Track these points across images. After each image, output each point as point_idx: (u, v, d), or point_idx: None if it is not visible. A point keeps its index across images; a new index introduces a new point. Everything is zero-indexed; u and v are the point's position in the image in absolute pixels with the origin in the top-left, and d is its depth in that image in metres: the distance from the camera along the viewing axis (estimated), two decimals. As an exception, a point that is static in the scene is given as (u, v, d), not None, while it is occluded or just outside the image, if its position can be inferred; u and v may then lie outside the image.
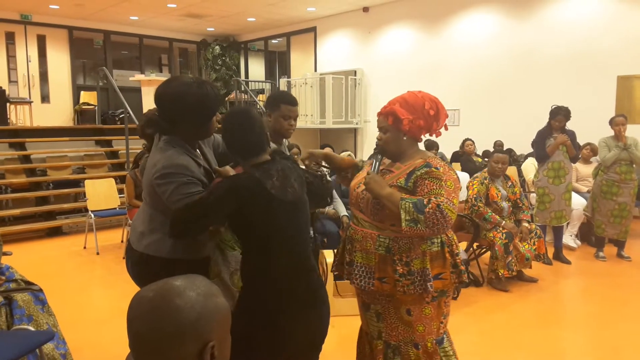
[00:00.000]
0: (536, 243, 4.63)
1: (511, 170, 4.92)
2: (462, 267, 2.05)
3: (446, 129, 2.17)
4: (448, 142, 8.72)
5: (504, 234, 4.44)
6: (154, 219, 2.00)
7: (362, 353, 2.31)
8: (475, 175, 4.84)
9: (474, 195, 4.57)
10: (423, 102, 2.05)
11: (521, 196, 4.77)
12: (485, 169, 4.80)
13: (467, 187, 4.70)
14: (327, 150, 2.51)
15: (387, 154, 2.15)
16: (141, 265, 2.04)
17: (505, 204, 4.66)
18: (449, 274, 2.03)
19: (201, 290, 0.98)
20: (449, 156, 8.52)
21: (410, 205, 1.91)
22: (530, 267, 4.66)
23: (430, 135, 2.16)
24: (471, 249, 4.88)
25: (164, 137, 2.01)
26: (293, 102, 2.73)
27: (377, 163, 2.13)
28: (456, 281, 2.05)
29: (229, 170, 2.10)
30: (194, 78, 2.00)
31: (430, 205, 1.89)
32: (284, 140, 2.85)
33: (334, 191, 5.01)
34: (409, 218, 1.90)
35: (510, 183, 4.78)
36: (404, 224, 1.90)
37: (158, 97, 1.97)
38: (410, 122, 2.04)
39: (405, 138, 2.10)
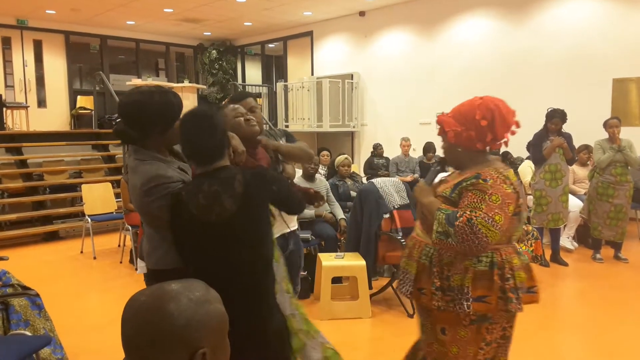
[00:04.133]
0: (533, 245, 4.64)
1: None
2: (512, 295, 1.83)
3: (513, 134, 2.00)
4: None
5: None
6: (153, 236, 2.01)
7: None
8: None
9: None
10: (474, 112, 1.91)
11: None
12: None
13: None
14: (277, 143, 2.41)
15: (448, 163, 2.10)
16: (154, 281, 2.05)
17: None
18: (495, 299, 1.83)
19: (195, 296, 0.97)
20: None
21: (444, 216, 1.81)
22: None
23: (492, 148, 1.98)
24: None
25: (131, 149, 2.00)
26: (239, 98, 2.58)
27: (435, 172, 2.11)
28: (503, 309, 1.84)
29: (232, 136, 2.08)
30: (155, 87, 1.99)
31: (461, 219, 1.77)
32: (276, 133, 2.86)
33: (331, 194, 5.03)
34: (440, 230, 1.81)
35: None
36: (434, 235, 1.82)
37: (123, 107, 1.96)
38: (458, 133, 1.93)
39: (460, 149, 1.98)
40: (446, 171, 2.14)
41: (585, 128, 6.60)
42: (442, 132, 2.01)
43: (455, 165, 2.06)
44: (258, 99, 12.14)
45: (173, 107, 1.96)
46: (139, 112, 1.92)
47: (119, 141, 8.14)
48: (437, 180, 2.11)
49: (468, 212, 1.78)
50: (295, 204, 2.05)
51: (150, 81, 9.88)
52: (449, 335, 1.92)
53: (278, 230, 2.63)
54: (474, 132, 1.91)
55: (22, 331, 2.66)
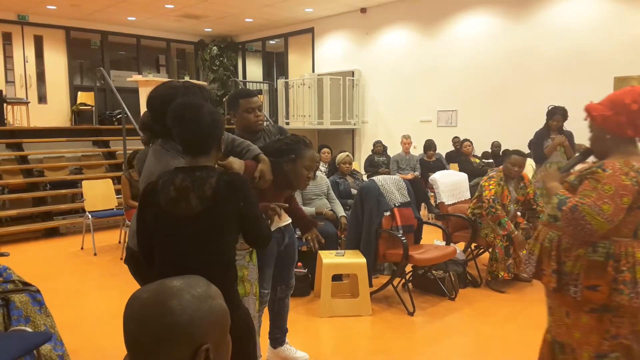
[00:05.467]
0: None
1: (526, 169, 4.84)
2: (623, 288, 1.84)
3: None
4: (449, 143, 8.75)
5: (505, 237, 4.38)
6: None
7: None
8: (491, 174, 4.61)
9: (491, 197, 4.39)
10: (624, 97, 1.91)
11: (535, 197, 4.62)
12: (500, 168, 4.64)
13: (483, 186, 4.53)
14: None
15: (594, 153, 2.11)
16: (140, 265, 2.04)
17: (512, 207, 4.56)
18: (607, 290, 1.87)
19: (197, 292, 0.97)
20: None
21: (557, 201, 1.93)
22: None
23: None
24: (469, 249, 4.89)
25: (157, 141, 2.02)
26: (250, 94, 2.73)
27: (576, 160, 2.20)
28: (616, 300, 1.86)
29: (234, 161, 2.09)
30: (183, 81, 2.01)
31: (568, 204, 1.86)
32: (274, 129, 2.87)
33: (332, 192, 5.02)
34: (552, 214, 1.95)
35: (522, 184, 4.63)
36: (545, 217, 1.97)
37: (148, 101, 2.00)
38: (606, 117, 1.94)
39: (608, 137, 1.98)
40: (586, 162, 2.18)
41: (586, 126, 6.59)
42: (590, 120, 2.03)
43: (600, 155, 2.05)
44: (260, 96, 12.15)
45: None
46: (161, 107, 1.92)
47: (119, 137, 8.15)
48: (576, 168, 2.15)
49: (576, 199, 1.86)
50: (262, 235, 1.89)
51: (151, 77, 9.87)
52: (572, 319, 1.99)
53: (274, 224, 2.63)
54: (624, 117, 1.91)
55: (23, 327, 2.66)
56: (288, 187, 2.33)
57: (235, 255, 1.87)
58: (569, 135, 5.25)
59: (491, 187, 4.45)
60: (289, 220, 2.88)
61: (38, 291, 2.96)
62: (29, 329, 2.66)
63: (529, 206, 4.64)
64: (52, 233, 7.05)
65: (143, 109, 8.20)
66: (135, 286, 2.05)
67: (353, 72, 10.69)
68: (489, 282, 4.55)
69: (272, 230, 2.64)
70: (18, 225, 6.96)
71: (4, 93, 9.15)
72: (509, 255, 4.37)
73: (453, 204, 5.09)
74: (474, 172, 7.39)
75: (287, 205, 2.42)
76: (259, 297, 2.55)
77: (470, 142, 7.95)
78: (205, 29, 12.44)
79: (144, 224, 1.83)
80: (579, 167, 2.15)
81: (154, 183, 1.80)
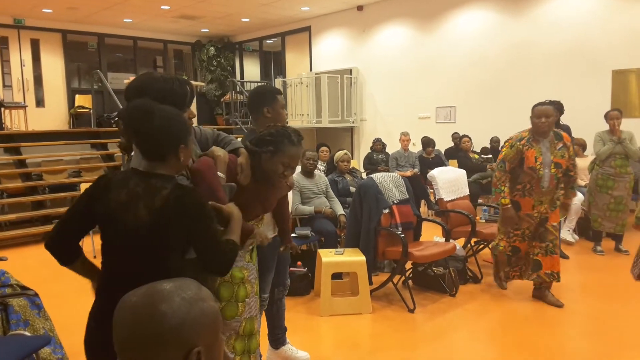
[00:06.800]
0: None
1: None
2: None
3: None
4: (448, 139, 8.74)
5: (511, 247, 4.05)
6: None
7: None
8: (512, 135, 4.05)
9: (499, 161, 3.94)
10: None
11: (573, 161, 3.93)
12: (527, 129, 3.95)
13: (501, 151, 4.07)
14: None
15: None
16: None
17: (547, 172, 3.79)
18: None
19: (187, 295, 0.96)
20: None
21: None
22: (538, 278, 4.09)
23: None
24: (469, 245, 4.88)
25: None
26: (280, 91, 2.79)
27: None
28: None
29: (216, 149, 2.02)
30: (166, 74, 1.93)
31: None
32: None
33: (331, 190, 5.01)
34: (638, 215, 2.03)
35: (561, 145, 3.86)
36: (635, 219, 2.05)
37: (125, 91, 1.92)
38: None
39: None
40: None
41: (585, 120, 6.59)
42: None
43: None
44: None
45: (175, 96, 1.86)
46: (136, 96, 1.84)
47: (118, 140, 8.12)
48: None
49: None
50: (214, 263, 1.67)
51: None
52: None
53: (268, 230, 2.62)
54: None
55: (22, 331, 2.65)
56: (267, 181, 2.26)
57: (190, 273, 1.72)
58: (566, 129, 5.24)
59: (504, 149, 3.97)
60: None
61: (36, 295, 2.95)
62: (28, 333, 2.66)
63: (567, 171, 3.92)
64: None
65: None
66: (132, 288, 2.05)
67: (351, 70, 10.68)
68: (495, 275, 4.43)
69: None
70: (17, 229, 6.95)
71: (1, 97, 9.15)
72: (510, 265, 4.16)
73: (452, 200, 5.08)
74: (473, 167, 7.38)
75: (270, 239, 2.40)
76: (260, 300, 2.52)
77: (469, 138, 7.93)
78: (202, 30, 12.42)
79: (81, 214, 1.70)
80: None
81: (108, 178, 1.68)
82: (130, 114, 1.67)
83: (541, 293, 4.09)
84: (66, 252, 1.80)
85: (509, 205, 3.89)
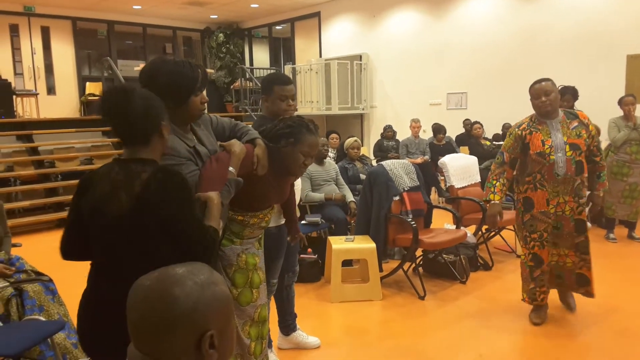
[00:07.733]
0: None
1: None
2: None
3: None
4: (459, 126, 8.66)
5: (531, 254, 3.31)
6: None
7: None
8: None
9: (498, 153, 3.46)
10: None
11: (597, 142, 3.38)
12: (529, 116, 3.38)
13: None
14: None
15: None
16: None
17: (559, 155, 3.16)
18: None
19: (199, 279, 0.96)
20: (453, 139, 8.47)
21: None
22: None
23: None
24: (480, 232, 4.86)
25: None
26: (286, 81, 2.67)
27: None
28: None
29: (234, 143, 2.01)
30: (178, 59, 1.92)
31: None
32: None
33: (341, 177, 5.00)
34: None
35: (576, 123, 3.26)
36: None
37: (139, 74, 1.92)
38: None
39: None
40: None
41: (599, 105, 6.48)
42: None
43: None
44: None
45: (185, 79, 1.86)
46: (147, 80, 1.86)
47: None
48: None
49: None
50: (201, 245, 1.60)
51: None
52: None
53: (274, 221, 2.62)
54: None
55: (37, 316, 2.69)
56: (287, 173, 2.26)
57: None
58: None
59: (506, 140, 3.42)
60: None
61: (51, 280, 3.00)
62: (43, 318, 2.70)
63: (589, 155, 3.35)
64: (64, 223, 7.12)
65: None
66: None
67: (361, 56, 10.58)
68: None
69: (274, 226, 2.63)
70: (30, 216, 7.03)
71: (13, 85, 9.19)
72: (535, 282, 3.35)
73: (463, 187, 5.05)
74: (485, 154, 7.32)
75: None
76: (268, 286, 2.54)
77: (481, 124, 7.85)
78: (211, 16, 12.36)
79: (75, 219, 1.69)
80: None
81: (93, 172, 1.66)
82: (108, 98, 1.62)
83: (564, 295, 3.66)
84: (83, 256, 1.77)
85: (496, 202, 3.32)
